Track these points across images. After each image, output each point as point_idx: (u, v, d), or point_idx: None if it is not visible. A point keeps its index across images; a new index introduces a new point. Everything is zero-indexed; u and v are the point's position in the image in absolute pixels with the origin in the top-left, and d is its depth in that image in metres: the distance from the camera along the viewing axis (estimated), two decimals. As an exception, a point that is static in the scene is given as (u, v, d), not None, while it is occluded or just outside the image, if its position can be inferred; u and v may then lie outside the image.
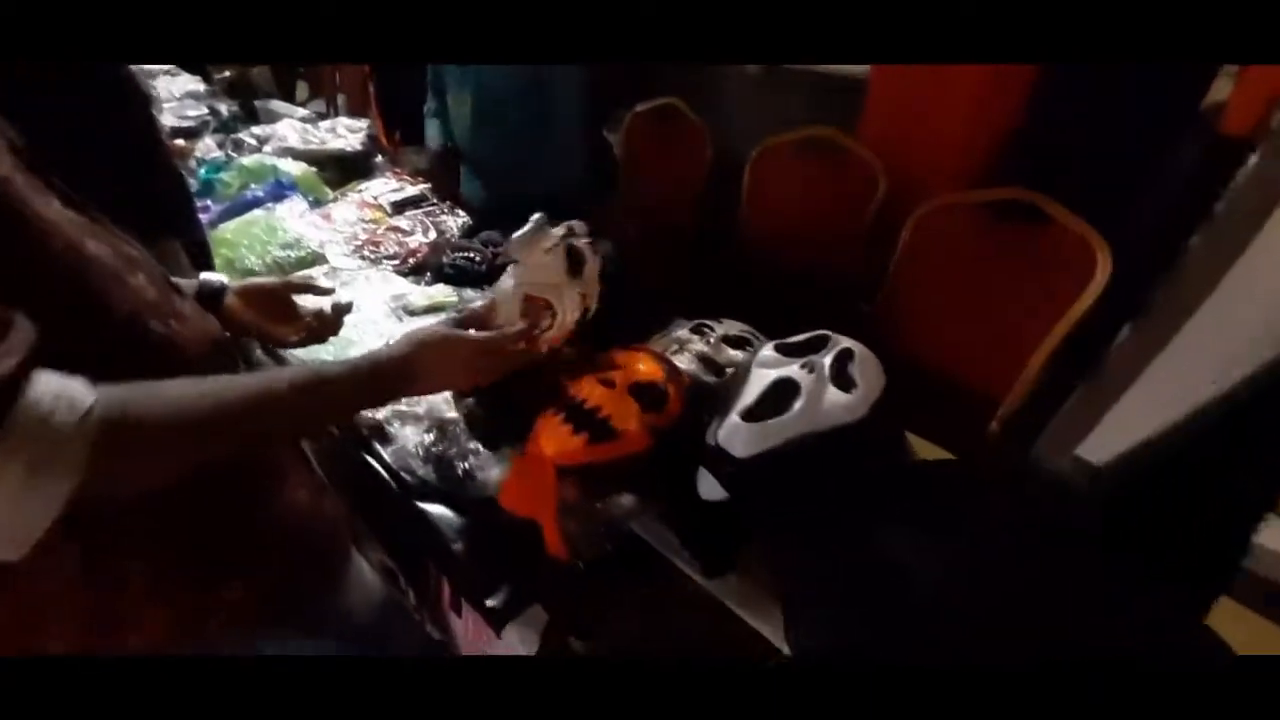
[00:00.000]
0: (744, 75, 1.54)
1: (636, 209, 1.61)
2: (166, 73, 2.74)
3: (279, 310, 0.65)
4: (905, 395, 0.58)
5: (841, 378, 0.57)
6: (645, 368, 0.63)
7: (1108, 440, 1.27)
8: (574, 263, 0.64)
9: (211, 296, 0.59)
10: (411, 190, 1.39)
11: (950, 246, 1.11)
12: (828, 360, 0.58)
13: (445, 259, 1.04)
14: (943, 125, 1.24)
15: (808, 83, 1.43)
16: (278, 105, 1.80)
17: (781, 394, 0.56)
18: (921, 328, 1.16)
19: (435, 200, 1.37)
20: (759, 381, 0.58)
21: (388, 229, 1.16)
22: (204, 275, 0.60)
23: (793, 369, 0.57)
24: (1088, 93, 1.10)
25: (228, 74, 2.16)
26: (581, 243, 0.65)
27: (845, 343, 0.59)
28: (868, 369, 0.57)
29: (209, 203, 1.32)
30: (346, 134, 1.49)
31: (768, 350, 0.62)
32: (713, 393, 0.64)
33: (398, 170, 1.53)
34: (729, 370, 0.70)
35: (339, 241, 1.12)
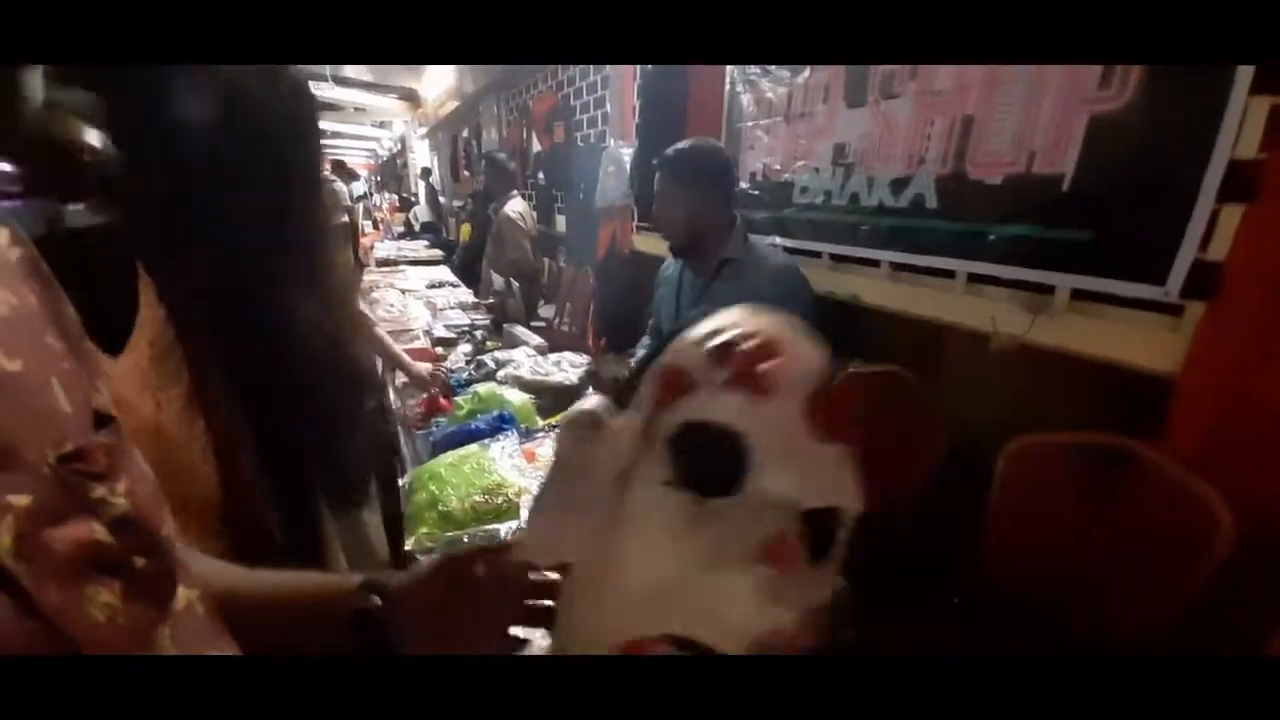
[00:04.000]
0: (985, 346, 1.36)
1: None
2: (449, 283, 3.52)
3: None
4: None
5: None
6: None
7: None
8: None
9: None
10: (612, 431, 1.40)
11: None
12: None
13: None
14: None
15: (1080, 367, 1.20)
16: (520, 331, 2.09)
17: None
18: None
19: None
20: None
21: (583, 481, 1.13)
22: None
23: None
24: None
25: (491, 299, 2.67)
26: None
27: None
28: None
29: (443, 420, 1.47)
30: (569, 368, 1.62)
31: None
32: None
33: (604, 403, 1.59)
34: None
35: (533, 490, 1.11)
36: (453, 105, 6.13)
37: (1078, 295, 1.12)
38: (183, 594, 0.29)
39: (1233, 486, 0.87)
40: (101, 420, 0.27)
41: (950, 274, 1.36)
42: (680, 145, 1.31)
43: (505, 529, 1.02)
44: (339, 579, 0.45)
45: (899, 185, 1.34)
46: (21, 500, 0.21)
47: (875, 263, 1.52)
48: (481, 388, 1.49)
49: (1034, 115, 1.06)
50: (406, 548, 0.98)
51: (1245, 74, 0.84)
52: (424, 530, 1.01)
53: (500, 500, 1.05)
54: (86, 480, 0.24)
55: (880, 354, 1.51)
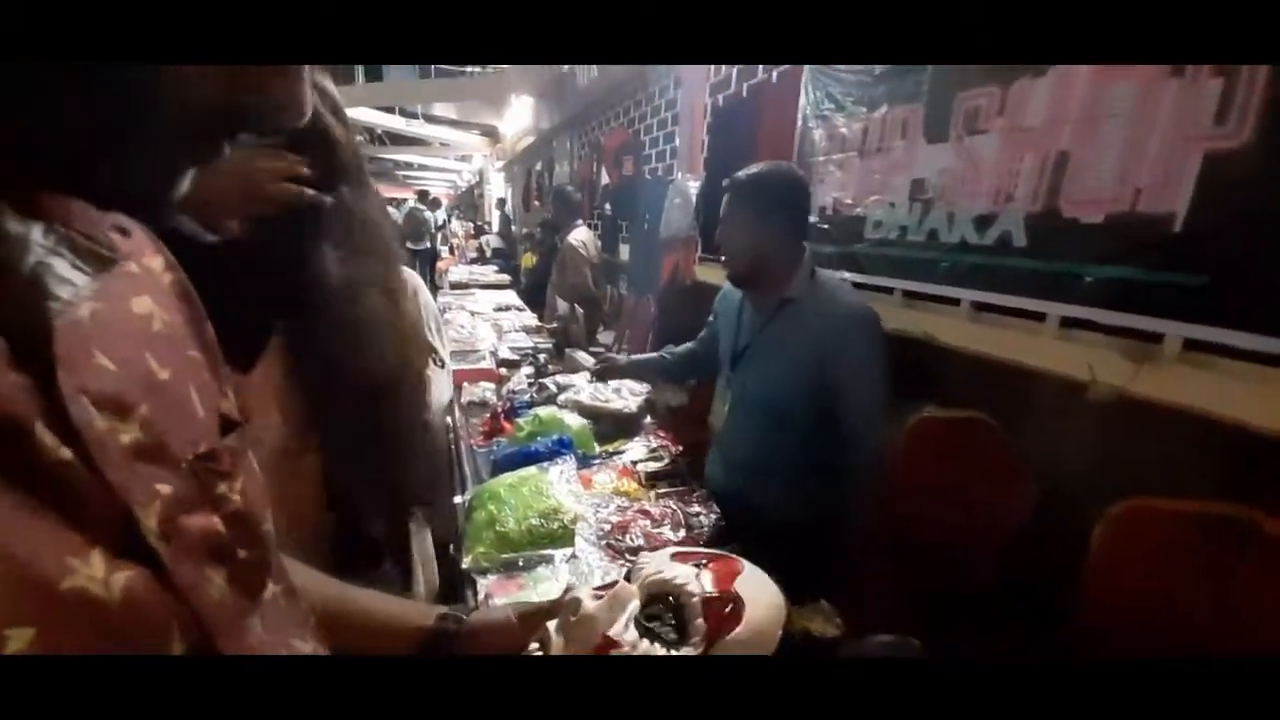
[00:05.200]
0: (1079, 395, 1.25)
1: (911, 537, 1.32)
2: (516, 307, 3.64)
3: None
4: None
5: None
6: None
7: None
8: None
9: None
10: (668, 463, 1.39)
11: None
12: None
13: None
14: None
15: (1190, 424, 1.08)
16: (580, 356, 2.12)
17: None
18: None
19: (687, 480, 1.33)
20: None
21: (638, 512, 1.11)
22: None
23: None
24: None
25: (555, 324, 2.74)
26: None
27: None
28: None
29: (501, 440, 1.50)
30: (629, 396, 1.62)
31: None
32: None
33: (659, 432, 1.58)
34: None
35: (590, 519, 1.10)
36: (529, 140, 6.46)
37: (1189, 345, 1.02)
38: (269, 587, 0.32)
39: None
40: (227, 425, 0.30)
41: (1037, 316, 1.27)
42: (753, 168, 1.21)
43: (560, 555, 1.01)
44: (418, 606, 0.51)
45: (983, 222, 1.28)
46: (165, 489, 0.24)
47: (953, 301, 1.44)
48: (543, 411, 1.52)
49: (1138, 152, 0.99)
50: (464, 566, 0.99)
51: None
52: (480, 549, 1.02)
53: (556, 525, 1.04)
54: (214, 478, 0.27)
55: (957, 397, 1.43)
